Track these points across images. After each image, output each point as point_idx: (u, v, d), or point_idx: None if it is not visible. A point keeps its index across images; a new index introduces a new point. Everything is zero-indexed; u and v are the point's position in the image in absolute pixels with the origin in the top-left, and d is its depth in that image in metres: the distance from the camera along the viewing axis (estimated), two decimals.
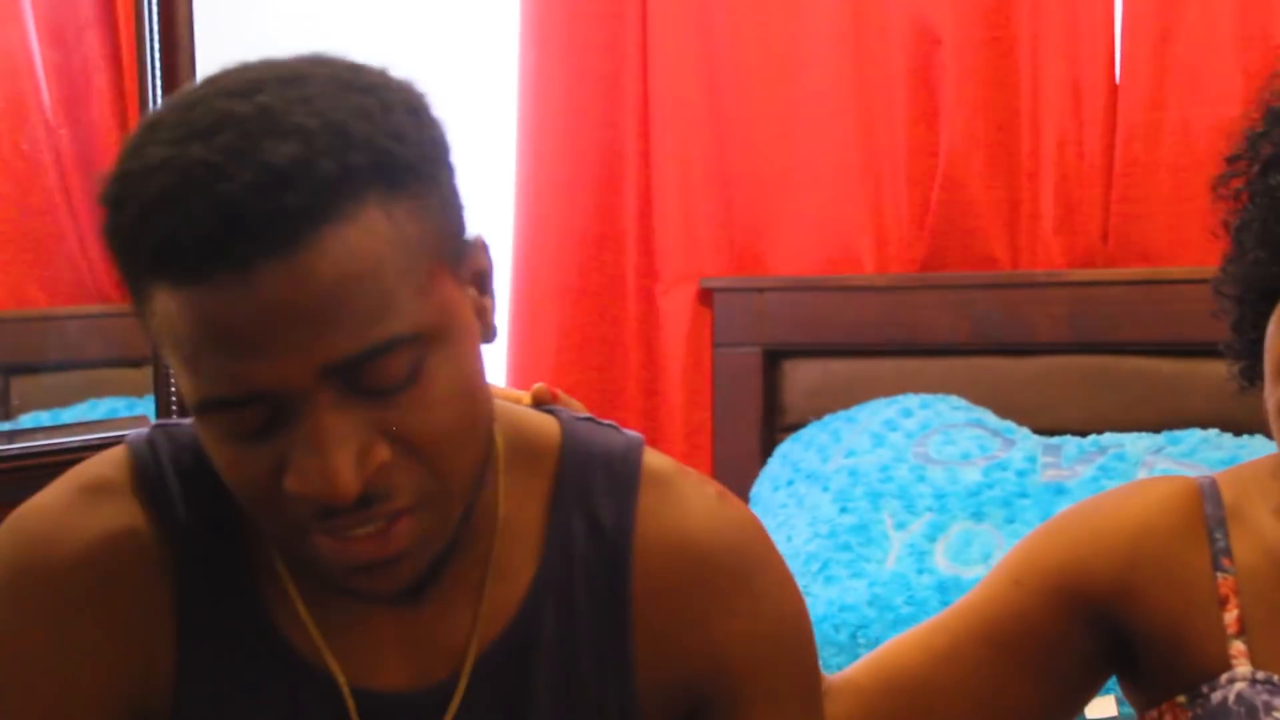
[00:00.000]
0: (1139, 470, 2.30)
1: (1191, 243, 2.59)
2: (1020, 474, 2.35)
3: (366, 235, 0.93)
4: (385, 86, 0.99)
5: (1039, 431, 2.54)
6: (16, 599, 1.07)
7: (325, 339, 0.93)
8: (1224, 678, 1.22)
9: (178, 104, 0.97)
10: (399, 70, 1.04)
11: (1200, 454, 2.31)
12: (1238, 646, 1.22)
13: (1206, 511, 1.27)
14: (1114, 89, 2.65)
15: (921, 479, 2.38)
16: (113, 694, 1.07)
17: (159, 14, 2.37)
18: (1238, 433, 2.39)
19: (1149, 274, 2.59)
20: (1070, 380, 2.62)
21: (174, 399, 2.41)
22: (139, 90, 2.37)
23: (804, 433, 2.68)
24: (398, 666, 1.09)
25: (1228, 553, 1.25)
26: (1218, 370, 2.50)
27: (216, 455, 0.99)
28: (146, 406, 2.41)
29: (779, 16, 2.86)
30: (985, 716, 1.31)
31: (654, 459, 1.16)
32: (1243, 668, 1.21)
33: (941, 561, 2.26)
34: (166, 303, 0.94)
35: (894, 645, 1.36)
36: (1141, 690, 1.29)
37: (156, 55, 2.38)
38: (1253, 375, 1.30)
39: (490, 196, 3.09)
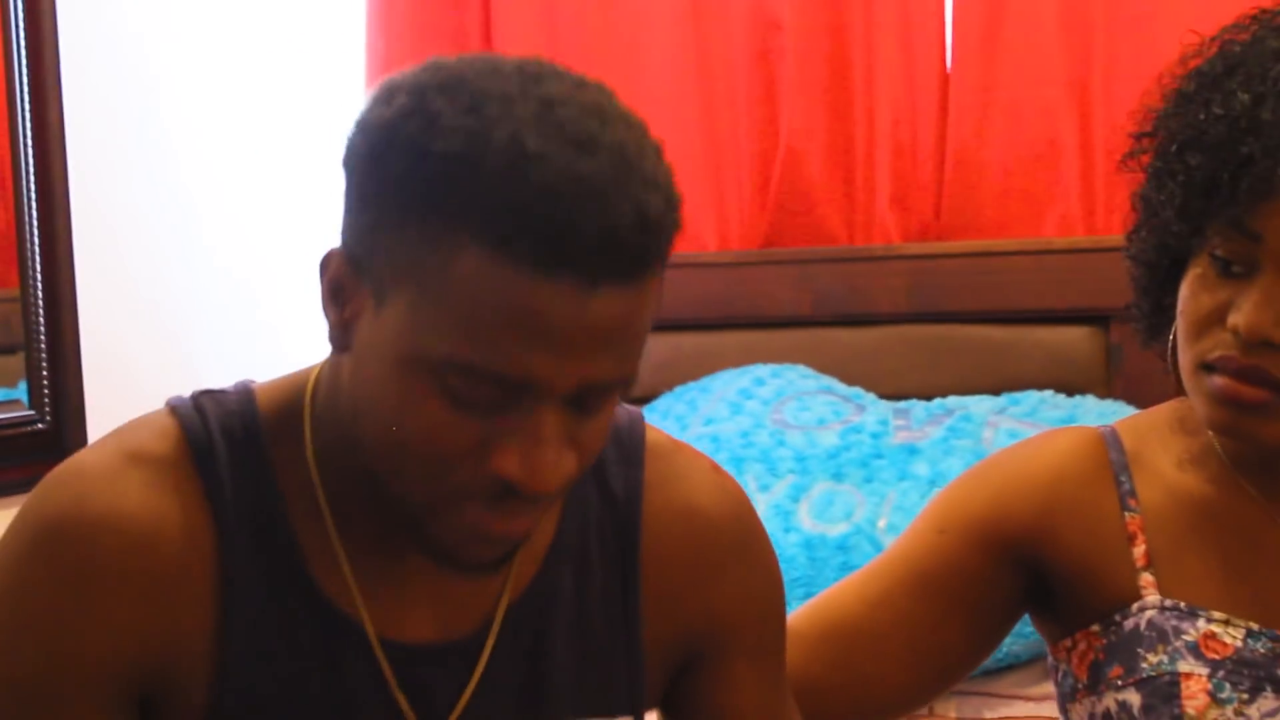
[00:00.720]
0: (984, 430, 2.46)
1: (1019, 217, 2.76)
2: (874, 436, 2.50)
3: (655, 295, 1.04)
4: (659, 148, 1.05)
5: (883, 397, 2.69)
6: (44, 556, 1.10)
7: (603, 362, 1.01)
8: (1135, 606, 1.35)
9: (527, 88, 1.01)
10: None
11: (1040, 413, 2.48)
12: (1146, 578, 1.36)
13: (1111, 458, 1.41)
14: (945, 75, 2.80)
15: (781, 443, 2.51)
16: (124, 666, 1.11)
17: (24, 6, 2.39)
18: (1070, 394, 2.57)
19: (980, 247, 2.76)
20: (909, 349, 2.77)
21: (46, 387, 2.43)
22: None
23: (658, 403, 2.78)
24: (428, 621, 1.16)
25: (1133, 494, 1.39)
26: (1046, 336, 2.71)
27: (415, 408, 1.03)
28: (20, 393, 2.42)
29: (621, 2, 2.96)
30: (917, 654, 1.43)
31: (654, 433, 1.26)
32: (1152, 597, 1.35)
33: (806, 520, 2.39)
34: (479, 270, 0.98)
35: (830, 594, 1.47)
36: (1055, 623, 1.42)
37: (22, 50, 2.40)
38: (1154, 334, 1.43)
39: (336, 185, 3.13)
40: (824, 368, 2.77)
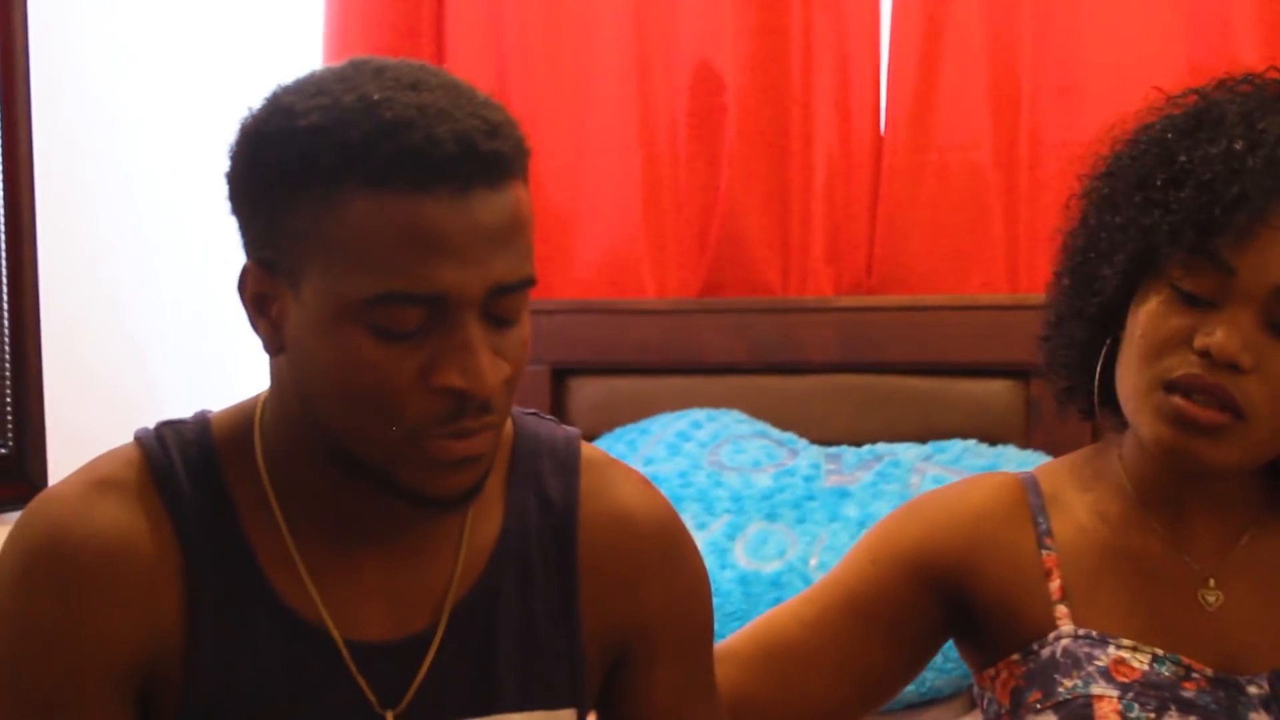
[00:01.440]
0: (912, 476, 2.58)
1: (946, 274, 2.90)
2: (807, 479, 2.61)
3: (527, 198, 1.18)
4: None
5: (815, 443, 2.80)
6: (33, 577, 1.21)
7: (503, 262, 1.15)
8: (1051, 636, 1.47)
9: (359, 67, 1.18)
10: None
11: (964, 461, 2.61)
12: (1061, 610, 1.48)
13: (1030, 500, 1.53)
14: (879, 137, 2.94)
15: (718, 484, 2.62)
16: (121, 664, 1.21)
17: None
18: (991, 443, 2.70)
19: (910, 301, 2.88)
20: (840, 396, 2.89)
21: (9, 414, 2.50)
22: None
23: (598, 443, 2.88)
24: (382, 620, 1.27)
25: (1049, 533, 1.51)
26: (970, 387, 2.83)
27: (356, 356, 1.15)
28: None
29: (570, 56, 3.08)
30: (847, 674, 1.54)
31: (588, 449, 1.38)
32: (1066, 626, 1.47)
33: (741, 558, 2.50)
34: (369, 208, 1.12)
35: (768, 616, 1.58)
36: (979, 653, 1.54)
37: None
38: (1088, 365, 1.51)
39: None
40: (758, 413, 2.88)
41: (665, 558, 1.36)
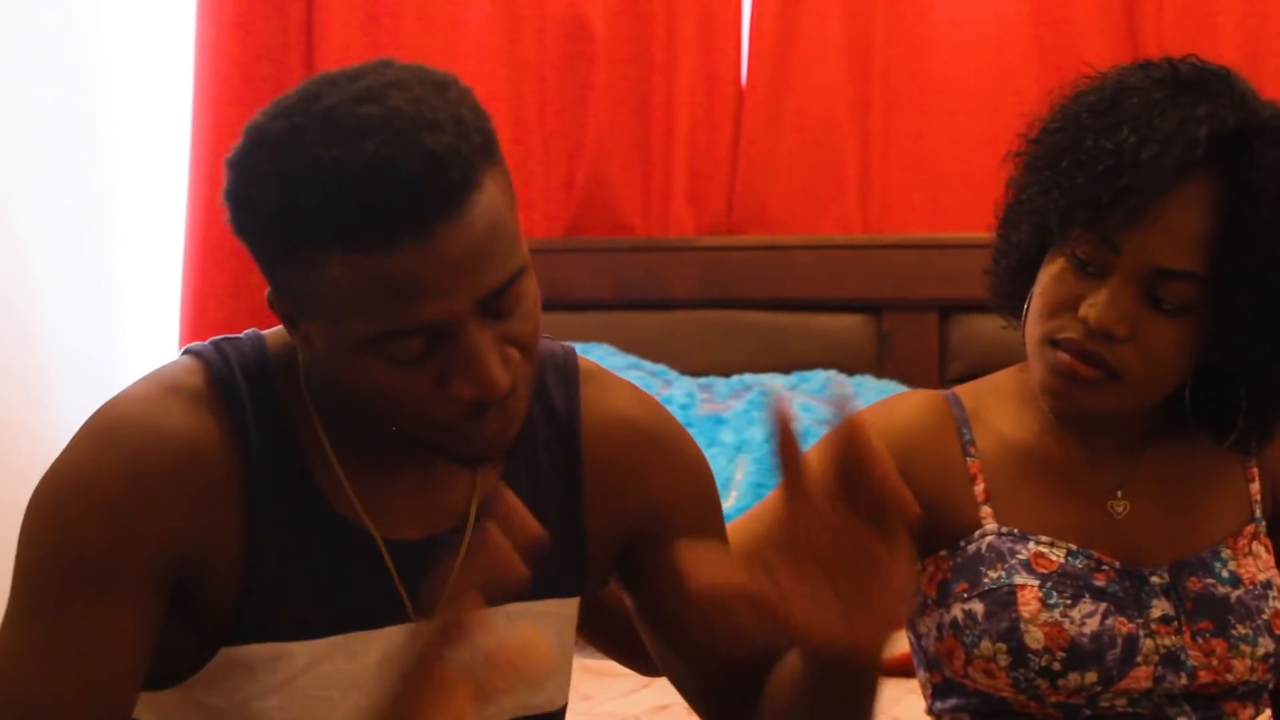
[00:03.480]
0: None
1: (803, 215, 3.09)
2: (683, 407, 2.78)
3: (493, 195, 1.23)
4: (446, 83, 1.27)
5: (683, 375, 2.97)
6: (105, 458, 1.30)
7: (482, 277, 1.22)
8: (977, 534, 1.65)
9: (310, 113, 1.22)
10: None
11: (829, 390, 2.80)
12: (985, 510, 1.65)
13: (954, 414, 1.70)
14: (740, 86, 3.12)
15: None
16: (169, 556, 1.30)
17: None
18: (849, 374, 2.90)
19: (769, 241, 3.06)
20: (703, 331, 3.06)
21: None
22: None
23: None
24: (416, 521, 1.39)
25: (973, 443, 1.68)
26: (826, 322, 3.03)
27: (378, 381, 1.25)
28: None
29: (439, 5, 3.19)
30: None
31: (584, 361, 1.50)
32: (991, 525, 1.64)
33: None
34: (343, 267, 1.20)
35: None
36: None
37: None
38: (1007, 302, 1.70)
39: (167, 162, 3.29)
40: (625, 348, 3.03)
41: (662, 450, 1.49)
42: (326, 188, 1.19)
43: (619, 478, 1.47)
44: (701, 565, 1.23)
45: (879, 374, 2.93)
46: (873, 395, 2.81)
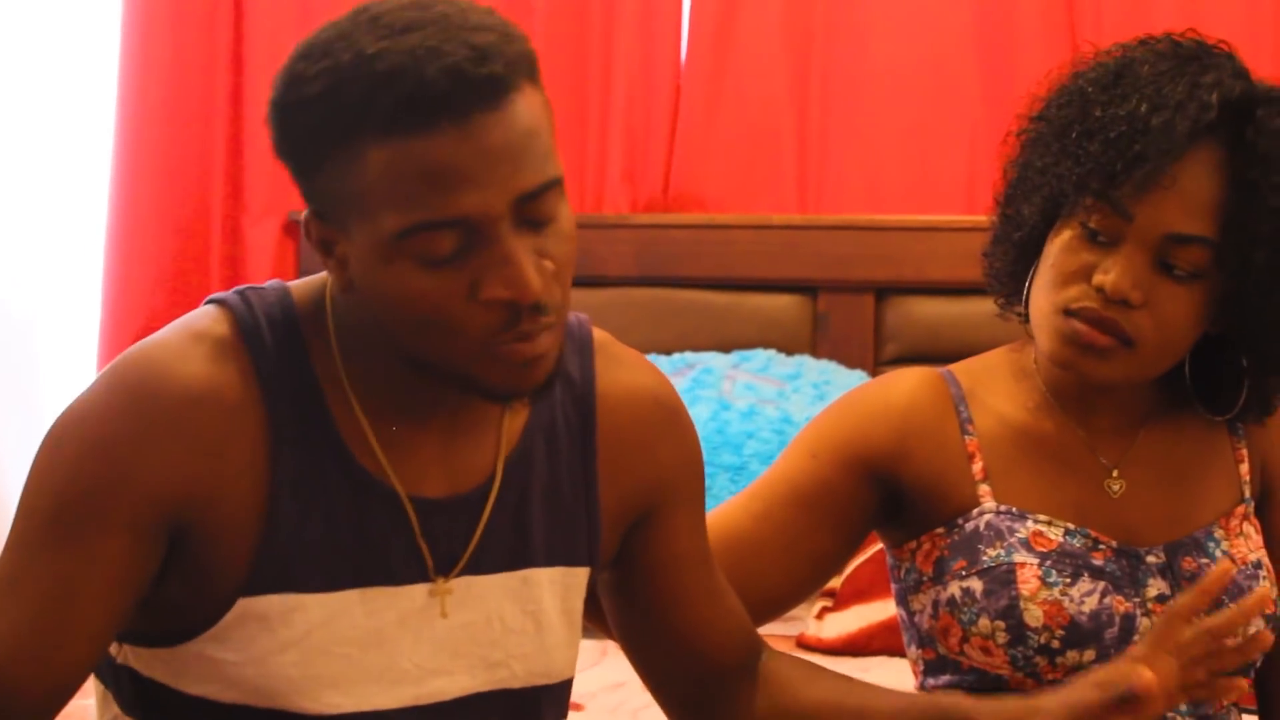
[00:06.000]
0: (724, 382, 2.77)
1: (740, 194, 3.09)
2: None
3: (534, 102, 1.25)
4: (492, 10, 1.29)
5: None
6: (117, 396, 1.29)
7: (520, 174, 1.23)
8: (974, 511, 1.66)
9: (357, 20, 1.23)
10: None
11: (770, 369, 2.81)
12: (984, 489, 1.67)
13: (951, 392, 1.71)
14: (678, 66, 3.11)
15: None
16: (170, 502, 1.29)
17: None
18: (788, 353, 2.91)
19: (705, 220, 3.07)
20: (638, 309, 3.06)
21: None
22: None
23: None
24: (440, 480, 1.38)
25: (970, 421, 1.70)
26: (762, 302, 3.04)
27: (409, 288, 1.24)
28: None
29: None
30: (794, 560, 1.70)
31: (598, 331, 1.51)
32: (989, 503, 1.66)
33: None
34: (382, 153, 1.21)
35: (719, 511, 1.72)
36: (900, 530, 1.71)
37: None
38: (1011, 280, 1.71)
39: (91, 130, 3.21)
40: None
41: (672, 422, 1.51)
42: (370, 76, 1.21)
43: (632, 449, 1.47)
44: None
45: (815, 354, 2.94)
46: (814, 375, 2.82)
